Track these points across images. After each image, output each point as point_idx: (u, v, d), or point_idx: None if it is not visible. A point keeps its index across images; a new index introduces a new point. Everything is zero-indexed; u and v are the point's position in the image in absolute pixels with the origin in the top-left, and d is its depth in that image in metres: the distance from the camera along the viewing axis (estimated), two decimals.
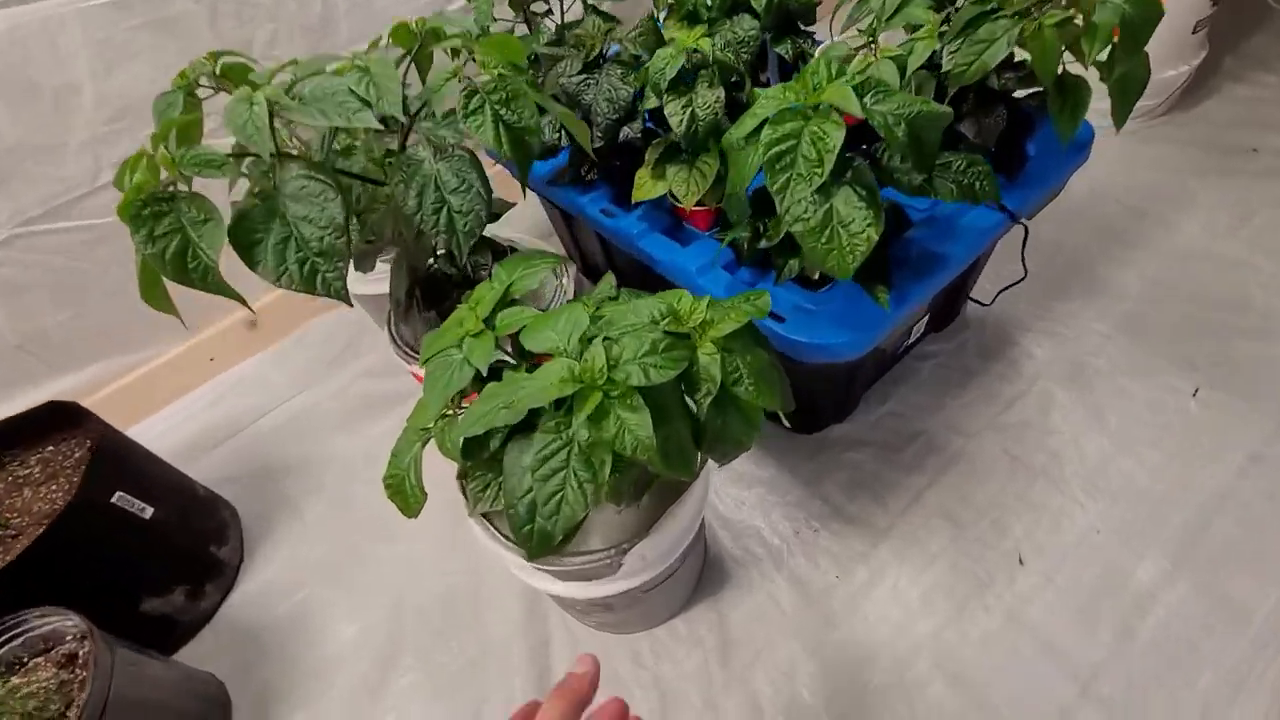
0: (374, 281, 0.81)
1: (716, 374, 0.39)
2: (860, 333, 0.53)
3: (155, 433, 0.97)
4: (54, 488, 0.69)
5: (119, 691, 0.56)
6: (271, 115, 0.41)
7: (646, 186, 0.64)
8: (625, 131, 0.64)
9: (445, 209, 0.49)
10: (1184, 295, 0.85)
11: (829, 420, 0.78)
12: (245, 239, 0.42)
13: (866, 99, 0.47)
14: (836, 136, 0.46)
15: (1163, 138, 1.06)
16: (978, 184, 0.52)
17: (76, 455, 0.70)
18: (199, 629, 0.75)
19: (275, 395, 0.99)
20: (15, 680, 0.60)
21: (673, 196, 0.68)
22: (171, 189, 0.40)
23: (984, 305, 0.80)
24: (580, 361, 0.38)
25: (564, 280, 0.74)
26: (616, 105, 0.62)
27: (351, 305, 0.47)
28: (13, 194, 0.76)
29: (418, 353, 0.70)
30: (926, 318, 0.78)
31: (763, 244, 0.56)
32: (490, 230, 0.57)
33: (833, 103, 0.46)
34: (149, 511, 0.69)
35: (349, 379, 0.99)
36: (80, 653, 0.59)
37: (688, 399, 0.41)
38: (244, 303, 0.44)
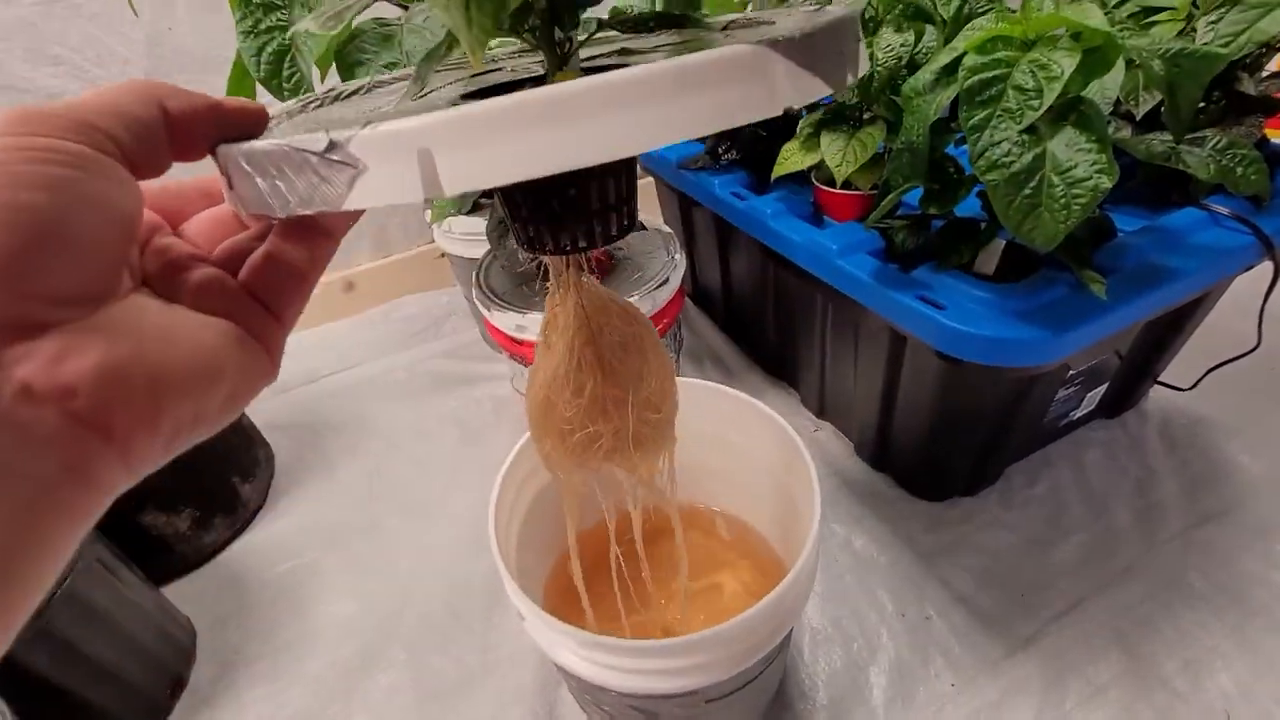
0: (470, 242, 0.77)
1: None
2: (1057, 330, 0.40)
3: None
4: None
5: (78, 589, 0.48)
6: None
7: (793, 159, 0.56)
8: None
9: None
10: None
11: (957, 488, 0.63)
12: (351, 57, 0.37)
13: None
14: (1066, 65, 0.36)
15: None
16: (1240, 169, 0.40)
17: None
18: (193, 567, 0.67)
19: (349, 358, 0.96)
20: None
21: (818, 182, 0.60)
22: None
23: (1179, 390, 0.64)
24: None
25: (675, 255, 0.66)
26: None
27: None
28: None
29: (500, 300, 0.64)
30: (1101, 390, 0.63)
31: (931, 211, 0.45)
32: None
33: (1069, 26, 0.37)
34: None
35: (425, 356, 0.95)
36: None
37: None
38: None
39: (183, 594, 0.64)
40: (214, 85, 0.80)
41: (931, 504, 0.63)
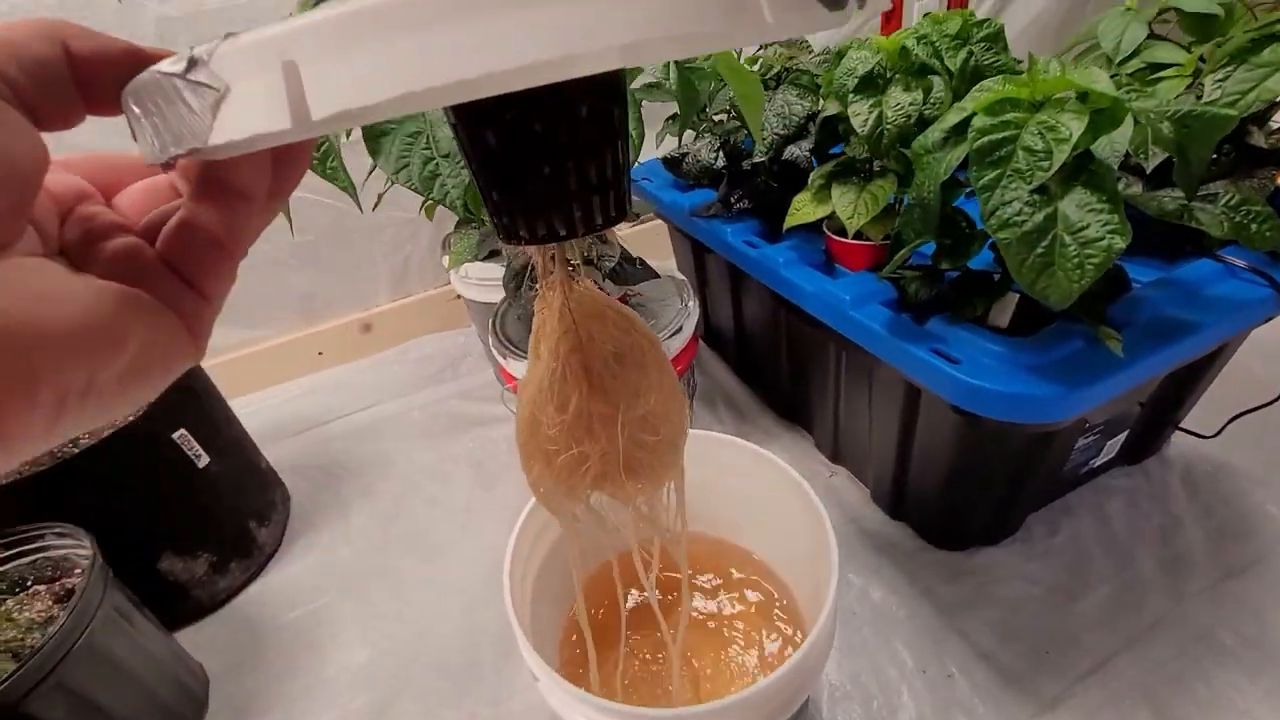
0: (485, 287, 0.78)
1: None
2: (1072, 386, 0.40)
3: (246, 411, 0.96)
4: (132, 418, 0.67)
5: (96, 641, 0.48)
6: None
7: (805, 210, 0.57)
8: (792, 150, 0.59)
9: None
10: None
11: (977, 537, 0.62)
12: (377, 128, 0.38)
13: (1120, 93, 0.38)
14: (1074, 127, 0.37)
15: None
16: (1254, 226, 0.40)
17: (165, 396, 0.69)
18: (208, 612, 0.67)
19: (366, 398, 0.97)
20: (10, 603, 0.54)
21: (829, 231, 0.61)
22: None
23: (1202, 437, 0.63)
24: None
25: (689, 303, 0.67)
26: (787, 121, 0.58)
27: (461, 215, 0.41)
28: None
29: (516, 349, 0.64)
30: (1122, 438, 0.62)
31: (944, 266, 0.46)
32: None
33: (1075, 89, 0.38)
34: (204, 460, 0.64)
35: (441, 396, 0.96)
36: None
37: None
38: (354, 195, 0.39)
39: (196, 640, 0.64)
40: None
41: (950, 553, 0.62)
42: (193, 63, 0.13)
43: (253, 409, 0.97)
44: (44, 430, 0.15)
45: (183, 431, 0.62)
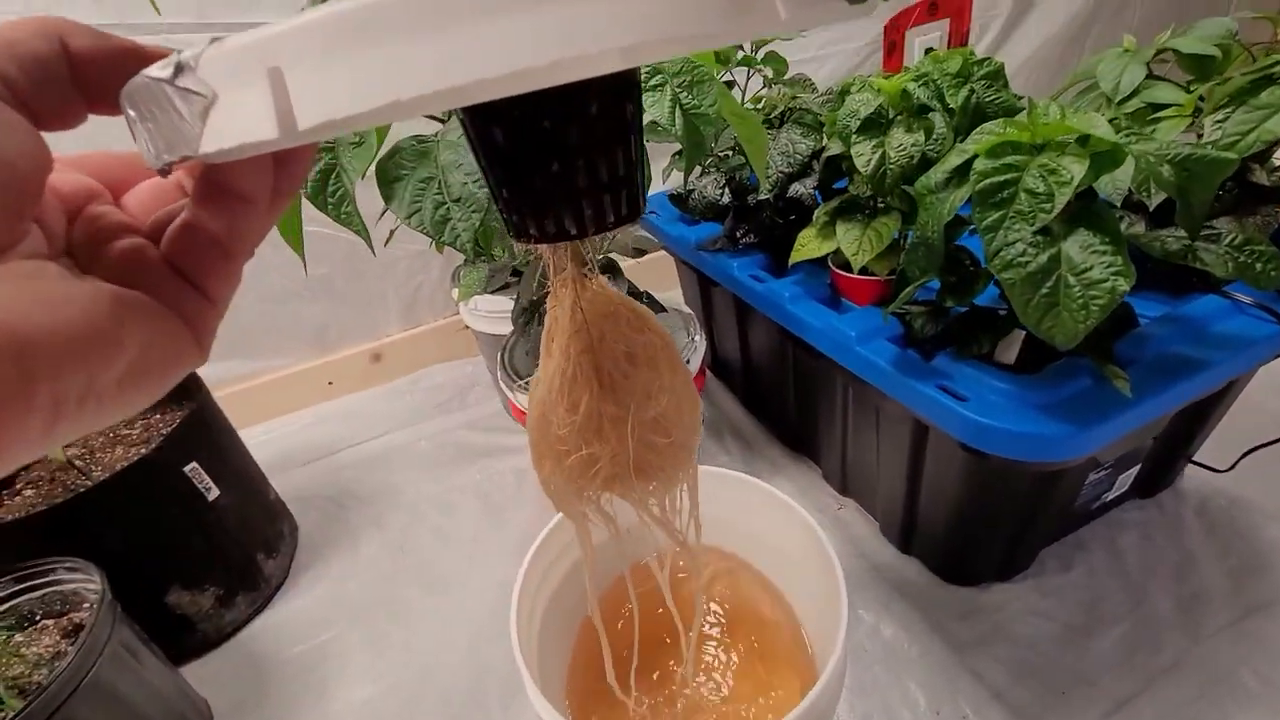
0: (494, 319, 0.79)
1: None
2: (1081, 426, 0.40)
3: (255, 441, 0.97)
4: (143, 450, 0.68)
5: (102, 678, 0.48)
6: None
7: (810, 246, 0.58)
8: (796, 188, 0.59)
9: None
10: None
11: (989, 573, 0.61)
12: (391, 173, 0.39)
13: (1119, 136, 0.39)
14: (1075, 170, 0.38)
15: None
16: (1259, 265, 0.40)
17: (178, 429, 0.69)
18: (214, 646, 0.67)
19: (375, 428, 0.97)
20: (18, 638, 0.54)
21: (834, 265, 0.61)
22: None
23: (1216, 471, 0.62)
24: None
25: (696, 338, 0.67)
26: (791, 159, 0.59)
27: (473, 260, 0.42)
28: None
29: (524, 383, 0.65)
30: (1134, 472, 0.62)
31: (949, 304, 0.46)
32: None
33: (1075, 134, 0.39)
34: (214, 493, 0.65)
35: (449, 426, 0.96)
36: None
37: None
38: (368, 240, 0.40)
39: (201, 675, 0.64)
40: None
41: (962, 589, 0.61)
42: (180, 68, 0.13)
43: (262, 439, 0.98)
44: (40, 434, 0.14)
45: (194, 465, 0.63)
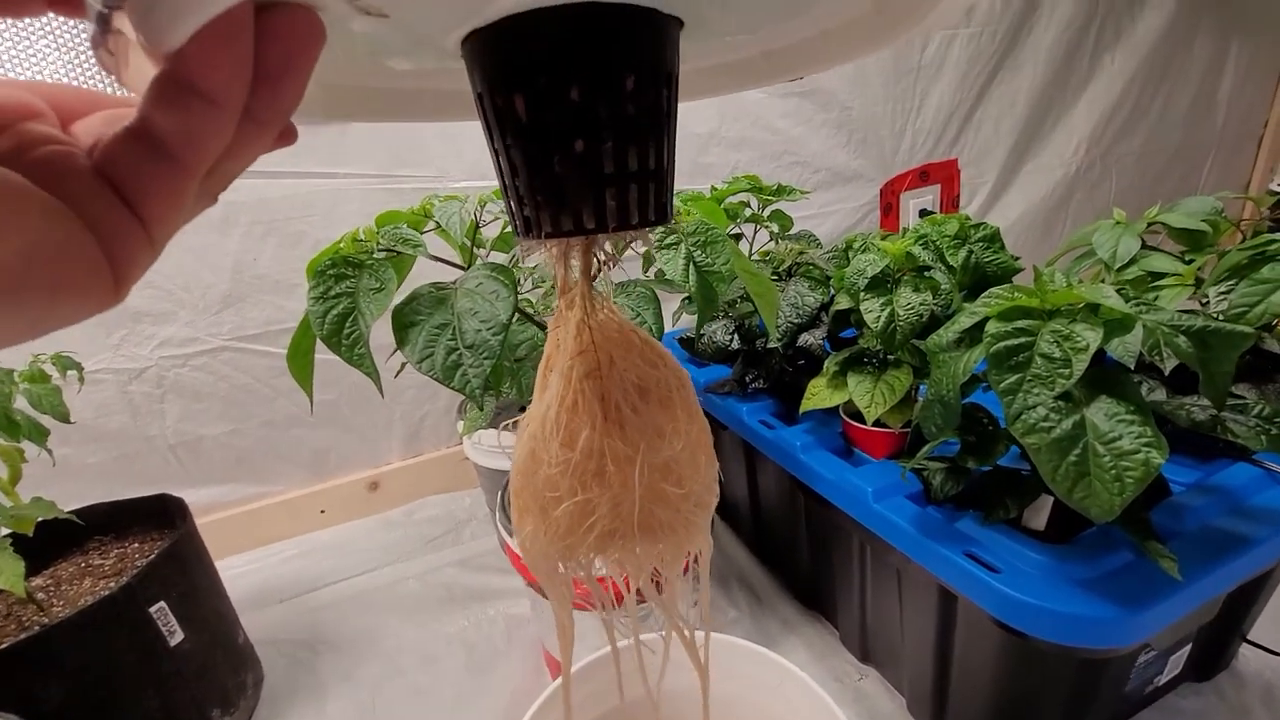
0: (496, 454, 0.77)
1: None
2: (1132, 609, 0.37)
3: (235, 572, 0.92)
4: (112, 584, 0.63)
5: None
6: (476, 220, 0.42)
7: (820, 395, 0.57)
8: (805, 338, 0.60)
9: None
10: None
11: None
12: (406, 318, 0.39)
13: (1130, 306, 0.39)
14: (1090, 338, 0.38)
15: None
16: None
17: (154, 563, 0.65)
18: None
19: (363, 562, 0.92)
20: None
21: (846, 415, 0.60)
22: (366, 258, 0.40)
23: (1273, 654, 0.57)
24: None
25: None
26: (800, 311, 0.60)
27: (481, 408, 0.41)
28: (242, 312, 0.87)
29: None
30: (1186, 651, 0.56)
31: (970, 465, 0.44)
32: None
33: (1086, 302, 0.39)
34: (178, 638, 0.59)
35: (441, 563, 0.91)
36: None
37: None
38: (378, 382, 0.40)
39: None
40: (287, 307, 0.86)
41: None
42: None
43: (242, 570, 0.92)
44: None
45: (162, 604, 0.58)
